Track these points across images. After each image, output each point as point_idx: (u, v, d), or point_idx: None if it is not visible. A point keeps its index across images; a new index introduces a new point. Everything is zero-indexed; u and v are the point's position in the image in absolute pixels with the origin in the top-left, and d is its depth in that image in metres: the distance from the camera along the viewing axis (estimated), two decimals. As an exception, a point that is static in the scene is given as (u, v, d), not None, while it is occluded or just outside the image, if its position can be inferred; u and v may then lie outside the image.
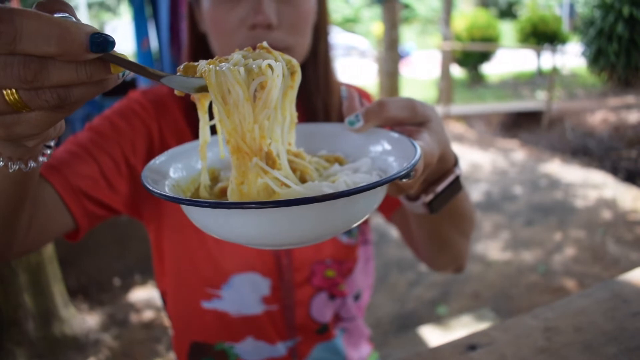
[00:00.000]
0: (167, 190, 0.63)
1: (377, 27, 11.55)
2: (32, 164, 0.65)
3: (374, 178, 0.62)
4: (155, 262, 1.23)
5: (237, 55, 0.63)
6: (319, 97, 1.15)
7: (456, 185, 0.86)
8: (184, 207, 0.62)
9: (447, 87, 11.67)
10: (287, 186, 0.61)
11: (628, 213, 5.47)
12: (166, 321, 3.84)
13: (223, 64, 0.61)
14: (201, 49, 1.14)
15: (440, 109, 11.36)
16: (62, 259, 3.74)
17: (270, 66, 0.60)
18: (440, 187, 0.84)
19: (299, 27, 1.05)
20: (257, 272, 1.12)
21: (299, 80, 0.68)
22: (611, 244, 4.66)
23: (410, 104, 0.76)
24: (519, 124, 10.82)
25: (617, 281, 1.27)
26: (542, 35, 15.95)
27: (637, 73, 11.90)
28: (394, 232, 5.00)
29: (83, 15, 18.20)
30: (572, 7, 20.67)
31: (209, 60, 0.62)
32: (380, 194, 0.62)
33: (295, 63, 0.68)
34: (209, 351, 1.20)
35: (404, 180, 0.64)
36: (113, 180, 1.03)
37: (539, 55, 16.42)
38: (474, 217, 1.11)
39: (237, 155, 0.63)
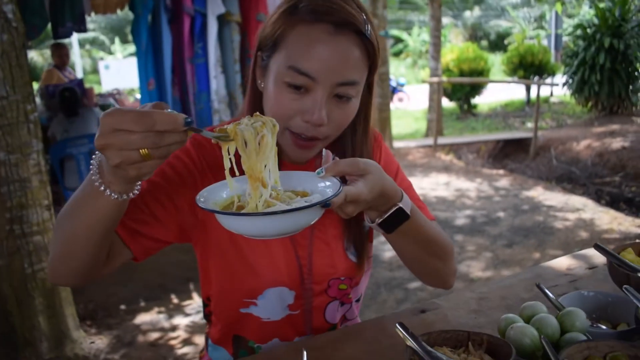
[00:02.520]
0: (210, 206, 1.05)
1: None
2: (131, 194, 1.05)
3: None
4: (201, 274, 1.53)
5: (246, 120, 1.05)
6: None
7: (401, 214, 1.24)
8: (218, 216, 1.03)
9: (436, 120, 11.99)
10: (274, 204, 1.04)
11: (603, 233, 5.80)
12: (171, 341, 4.12)
13: (241, 125, 1.03)
14: (258, 103, 1.38)
15: (429, 141, 11.73)
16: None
17: (264, 124, 1.06)
18: (385, 215, 1.23)
19: (342, 125, 1.32)
20: (285, 286, 1.41)
21: (277, 130, 1.09)
22: (587, 262, 4.96)
23: (355, 162, 1.15)
24: (507, 154, 11.15)
25: (540, 266, 1.60)
26: (530, 67, 16.36)
27: (621, 101, 12.30)
28: (384, 255, 5.34)
29: (76, 52, 18.66)
30: (557, 38, 21.14)
31: (232, 124, 1.04)
32: (309, 212, 1.03)
33: (275, 123, 1.09)
34: (244, 345, 1.50)
35: (328, 205, 1.06)
36: (164, 219, 1.34)
37: (527, 86, 16.79)
38: (444, 243, 1.44)
39: (251, 180, 1.05)
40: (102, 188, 1.01)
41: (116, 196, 1.03)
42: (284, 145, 1.31)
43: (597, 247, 1.32)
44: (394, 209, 1.22)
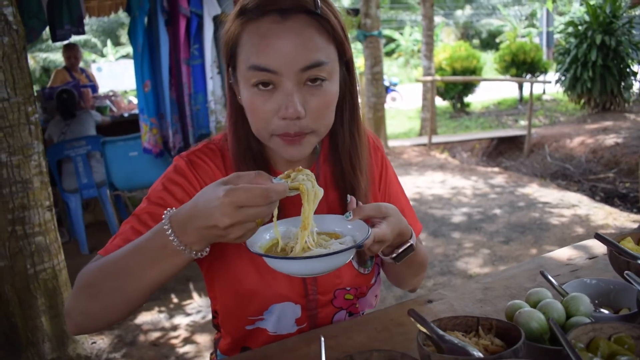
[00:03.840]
0: (257, 250, 1.12)
1: (362, 62, 12.02)
2: (204, 253, 1.10)
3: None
4: (208, 289, 1.53)
5: (300, 175, 1.11)
6: (347, 160, 1.42)
7: (410, 248, 1.33)
8: (269, 260, 1.11)
9: (430, 118, 12.04)
10: (314, 248, 1.13)
11: (599, 228, 5.85)
12: (172, 340, 4.15)
13: (305, 180, 1.11)
14: (240, 117, 1.36)
15: (423, 140, 11.78)
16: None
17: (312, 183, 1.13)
18: (399, 250, 1.32)
19: (323, 113, 1.26)
20: (290, 301, 1.41)
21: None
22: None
23: (378, 207, 1.24)
24: (502, 152, 11.21)
25: (542, 257, 1.65)
26: (522, 65, 16.42)
27: (613, 98, 12.37)
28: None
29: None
30: (549, 35, 21.24)
31: (286, 174, 1.11)
32: (345, 255, 1.11)
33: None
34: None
35: (360, 248, 1.13)
36: None
37: (520, 83, 16.86)
38: (426, 261, 1.56)
39: (303, 226, 1.13)
40: (182, 248, 1.05)
41: (199, 255, 1.09)
42: (276, 150, 1.30)
43: (598, 237, 1.36)
44: (406, 245, 1.32)
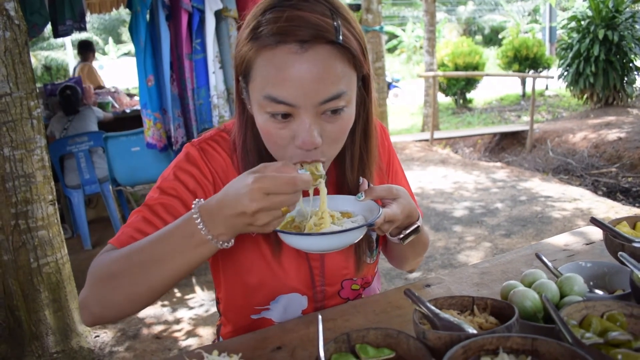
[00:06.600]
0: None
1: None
2: (229, 244, 1.11)
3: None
4: (213, 277, 1.55)
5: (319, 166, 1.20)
6: (354, 174, 1.40)
7: (417, 229, 1.37)
8: (284, 235, 1.18)
9: (432, 114, 12.04)
10: (327, 226, 1.20)
11: (601, 222, 5.85)
12: (175, 333, 4.17)
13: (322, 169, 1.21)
14: (250, 132, 1.34)
15: (426, 135, 11.79)
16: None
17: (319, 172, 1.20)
18: (407, 231, 1.35)
19: (339, 139, 1.24)
20: (297, 292, 1.44)
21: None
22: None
23: (389, 188, 1.28)
24: (504, 147, 11.20)
25: (539, 243, 1.66)
26: (525, 60, 16.41)
27: (616, 93, 12.35)
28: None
29: (69, 53, 18.61)
30: (552, 31, 21.22)
31: (300, 164, 1.19)
32: (358, 232, 1.16)
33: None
34: None
35: (372, 226, 1.20)
36: None
37: (523, 79, 16.84)
38: (427, 244, 1.59)
39: (322, 207, 1.21)
40: (210, 238, 1.07)
41: (224, 245, 1.10)
42: None
43: (594, 221, 1.38)
44: (414, 226, 1.36)
